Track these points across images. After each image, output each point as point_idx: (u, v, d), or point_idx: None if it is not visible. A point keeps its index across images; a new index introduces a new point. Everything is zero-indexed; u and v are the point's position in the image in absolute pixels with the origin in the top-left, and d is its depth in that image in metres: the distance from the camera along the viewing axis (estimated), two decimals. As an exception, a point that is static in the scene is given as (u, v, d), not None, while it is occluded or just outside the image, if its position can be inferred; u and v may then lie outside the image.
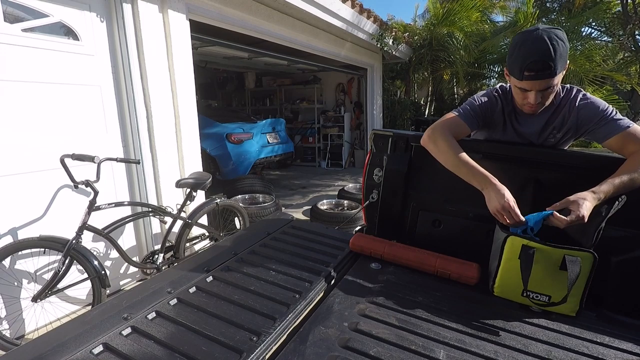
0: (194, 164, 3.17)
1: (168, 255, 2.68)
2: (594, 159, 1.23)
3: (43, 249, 2.15)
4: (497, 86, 1.46)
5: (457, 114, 1.37)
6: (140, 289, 1.03)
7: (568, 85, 1.36)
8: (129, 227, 2.83)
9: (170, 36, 2.84)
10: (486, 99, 1.42)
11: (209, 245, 3.02)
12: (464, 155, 1.26)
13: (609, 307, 1.07)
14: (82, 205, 2.21)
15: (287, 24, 4.37)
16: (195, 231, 2.92)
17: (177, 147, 3.02)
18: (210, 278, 1.10)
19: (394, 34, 6.78)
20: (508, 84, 1.41)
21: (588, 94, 1.34)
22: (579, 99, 1.32)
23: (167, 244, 2.66)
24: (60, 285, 2.13)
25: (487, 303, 1.03)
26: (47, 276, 2.13)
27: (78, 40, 2.42)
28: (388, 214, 1.48)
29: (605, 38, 8.55)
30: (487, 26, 8.63)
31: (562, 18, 7.78)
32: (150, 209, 2.60)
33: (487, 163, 1.25)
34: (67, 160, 2.12)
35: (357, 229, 1.74)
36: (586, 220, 1.01)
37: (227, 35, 3.83)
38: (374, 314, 0.94)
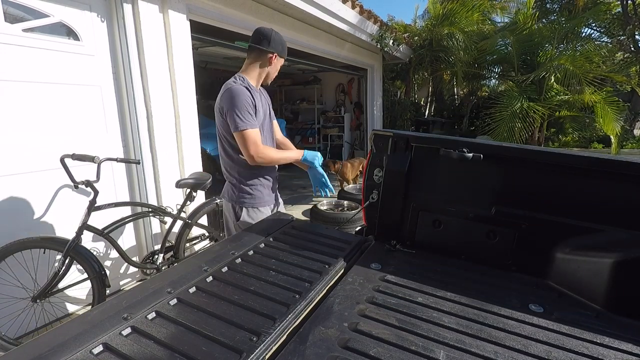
0: (194, 164, 3.17)
1: (168, 255, 2.68)
2: (590, 160, 1.23)
3: (43, 249, 2.15)
4: (236, 79, 1.76)
5: (249, 127, 1.67)
6: (140, 289, 1.03)
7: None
8: (129, 227, 2.83)
9: (170, 36, 2.84)
10: (245, 95, 1.68)
11: (209, 245, 3.02)
12: (282, 152, 1.89)
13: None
14: (82, 205, 2.21)
15: (287, 24, 4.37)
16: (195, 231, 2.92)
17: (177, 147, 3.02)
18: (210, 278, 1.10)
19: (394, 34, 6.79)
20: (240, 76, 1.78)
21: None
22: None
23: (167, 244, 2.66)
24: (60, 285, 2.13)
25: (487, 304, 1.03)
26: (47, 276, 2.13)
27: (78, 40, 2.42)
28: (388, 214, 1.48)
29: (605, 39, 8.55)
30: (487, 27, 8.63)
31: (562, 19, 7.79)
32: (150, 209, 2.60)
33: (487, 162, 1.25)
34: (67, 160, 2.12)
35: (357, 229, 1.74)
36: None
37: (228, 36, 3.83)
38: (374, 314, 0.94)
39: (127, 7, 2.58)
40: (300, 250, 1.31)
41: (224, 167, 1.89)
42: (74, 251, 2.06)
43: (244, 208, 1.84)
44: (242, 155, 1.75)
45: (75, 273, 2.24)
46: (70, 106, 2.40)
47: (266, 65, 1.82)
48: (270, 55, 1.79)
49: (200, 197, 3.16)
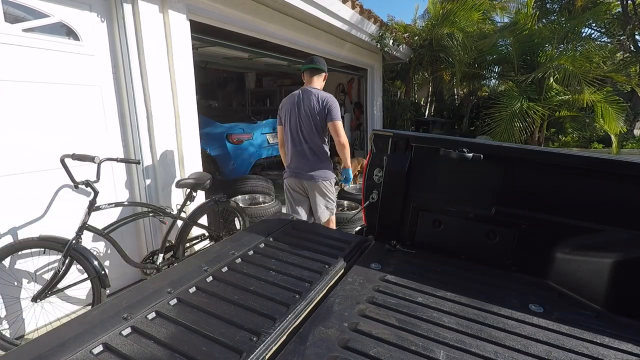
0: (194, 164, 3.17)
1: (168, 255, 2.68)
2: (590, 160, 1.23)
3: (43, 249, 2.15)
4: (319, 89, 2.66)
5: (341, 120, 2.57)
6: (140, 289, 1.03)
7: None
8: (129, 227, 2.83)
9: (170, 36, 2.84)
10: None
11: (209, 245, 3.02)
12: None
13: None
14: (82, 205, 2.21)
15: (287, 24, 4.37)
16: (195, 231, 2.92)
17: (177, 147, 3.02)
18: (210, 278, 1.10)
19: (394, 34, 6.78)
20: (315, 88, 2.66)
21: None
22: None
23: (167, 244, 2.66)
24: (60, 285, 2.13)
25: (487, 304, 1.03)
26: (47, 276, 2.13)
27: (78, 40, 2.42)
28: (388, 214, 1.48)
29: (605, 39, 8.55)
30: (487, 26, 8.62)
31: (562, 19, 7.78)
32: (150, 209, 2.60)
33: (487, 163, 1.25)
34: (68, 160, 2.12)
35: (357, 229, 1.74)
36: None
37: (228, 36, 3.83)
38: (374, 314, 0.94)
39: (127, 7, 2.58)
40: (300, 250, 1.31)
41: (314, 155, 2.61)
42: (74, 251, 2.06)
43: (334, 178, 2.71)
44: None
45: (75, 273, 2.24)
46: (70, 106, 2.40)
47: (323, 81, 2.72)
48: (325, 73, 2.72)
49: (200, 197, 3.15)
